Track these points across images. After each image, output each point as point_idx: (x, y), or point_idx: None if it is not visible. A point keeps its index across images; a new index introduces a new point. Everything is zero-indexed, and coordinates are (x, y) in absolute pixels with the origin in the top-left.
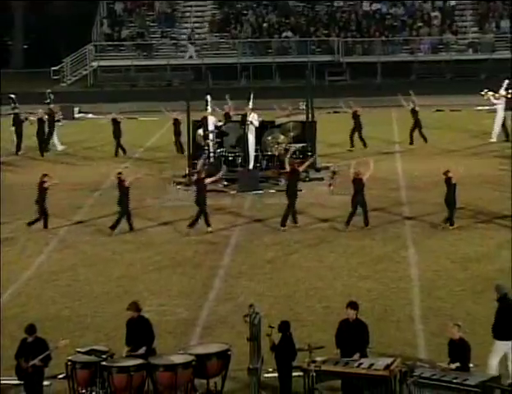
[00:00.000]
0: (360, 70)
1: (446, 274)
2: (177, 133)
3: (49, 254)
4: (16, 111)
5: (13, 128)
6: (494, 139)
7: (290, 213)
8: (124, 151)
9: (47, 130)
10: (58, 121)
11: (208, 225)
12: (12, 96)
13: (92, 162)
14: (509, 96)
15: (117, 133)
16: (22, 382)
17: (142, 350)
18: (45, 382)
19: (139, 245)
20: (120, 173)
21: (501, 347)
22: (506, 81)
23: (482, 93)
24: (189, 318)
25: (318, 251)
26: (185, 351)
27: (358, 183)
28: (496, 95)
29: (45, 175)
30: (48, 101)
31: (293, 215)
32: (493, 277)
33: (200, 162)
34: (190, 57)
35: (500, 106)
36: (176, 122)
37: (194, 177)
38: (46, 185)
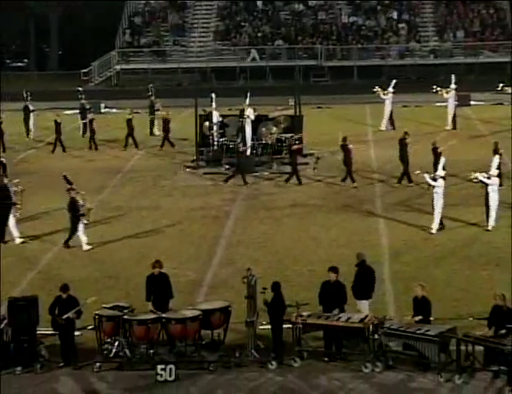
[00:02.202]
0: (339, 72)
1: (411, 243)
2: (92, 131)
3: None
4: (82, 102)
5: (79, 116)
6: (383, 129)
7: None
8: (172, 144)
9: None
10: (158, 110)
11: (353, 181)
12: (80, 89)
13: (115, 150)
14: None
15: (166, 128)
16: (57, 333)
17: (171, 304)
18: (76, 333)
19: (155, 218)
20: None
21: (362, 306)
22: (394, 81)
23: (374, 90)
24: (196, 279)
25: (304, 224)
26: (193, 307)
27: (436, 152)
28: (385, 92)
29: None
30: (150, 94)
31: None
32: (450, 245)
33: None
34: (253, 59)
35: (388, 101)
36: (91, 122)
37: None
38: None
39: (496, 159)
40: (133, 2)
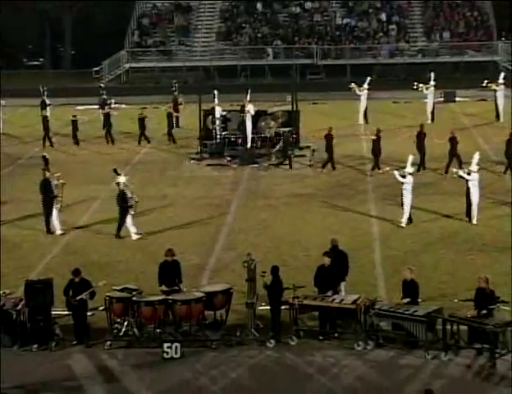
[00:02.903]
0: (334, 70)
1: (400, 230)
2: (46, 128)
3: (93, 213)
4: (104, 97)
5: (100, 110)
6: (361, 122)
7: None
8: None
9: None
10: (181, 104)
11: (379, 168)
12: (102, 85)
13: (124, 143)
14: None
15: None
16: (71, 313)
17: (182, 286)
18: (88, 313)
19: (162, 206)
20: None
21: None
22: (368, 78)
23: (350, 86)
24: (200, 263)
25: (300, 213)
26: (197, 289)
27: (453, 141)
28: (360, 88)
29: (330, 128)
30: (174, 89)
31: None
32: (437, 232)
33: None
34: (269, 56)
35: (363, 97)
36: (45, 119)
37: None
38: (332, 133)
39: (477, 156)
40: (141, 5)
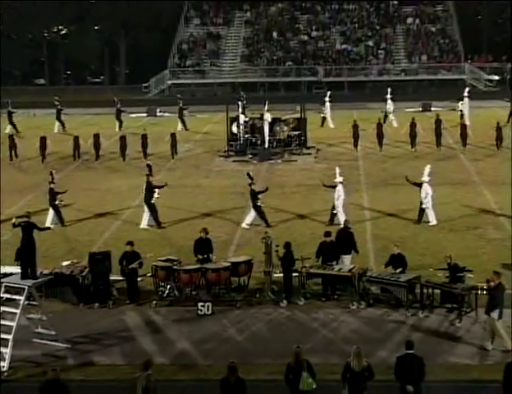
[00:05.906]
0: (334, 86)
1: (387, 213)
2: (43, 147)
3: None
4: (181, 105)
5: (178, 115)
6: (332, 126)
7: None
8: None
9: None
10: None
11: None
12: (179, 95)
13: (167, 143)
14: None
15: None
16: (124, 278)
17: (212, 257)
18: (138, 278)
19: (197, 194)
20: None
21: (344, 260)
22: (329, 92)
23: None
24: (227, 239)
25: (306, 199)
26: (224, 260)
27: (498, 129)
28: (326, 99)
29: (355, 120)
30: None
31: None
32: (415, 215)
33: None
34: (320, 75)
35: (327, 104)
36: (43, 139)
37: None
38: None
39: (428, 168)
40: (180, 34)
